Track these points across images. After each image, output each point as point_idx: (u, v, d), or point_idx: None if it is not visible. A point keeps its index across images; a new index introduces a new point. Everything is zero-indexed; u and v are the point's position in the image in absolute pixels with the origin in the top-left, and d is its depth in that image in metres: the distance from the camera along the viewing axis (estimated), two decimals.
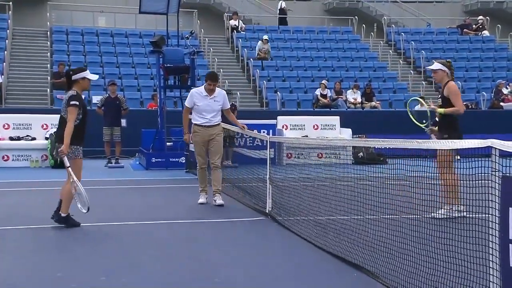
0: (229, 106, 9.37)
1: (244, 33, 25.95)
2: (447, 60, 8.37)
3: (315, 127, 17.15)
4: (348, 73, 23.43)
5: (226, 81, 21.14)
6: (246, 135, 12.32)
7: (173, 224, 7.70)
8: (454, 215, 6.99)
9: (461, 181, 7.24)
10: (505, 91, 21.82)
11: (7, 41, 22.05)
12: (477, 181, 4.35)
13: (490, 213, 3.71)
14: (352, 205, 6.33)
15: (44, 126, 15.55)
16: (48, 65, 21.56)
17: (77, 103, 7.15)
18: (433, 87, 23.82)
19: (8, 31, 22.75)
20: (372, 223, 5.97)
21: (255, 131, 11.33)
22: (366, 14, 30.60)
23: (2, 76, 19.47)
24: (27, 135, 15.46)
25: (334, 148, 11.22)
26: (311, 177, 8.24)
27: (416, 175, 5.74)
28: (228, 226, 7.62)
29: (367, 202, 6.09)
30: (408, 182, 5.57)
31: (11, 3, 24.09)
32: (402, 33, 26.99)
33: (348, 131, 16.70)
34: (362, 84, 21.70)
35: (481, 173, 4.26)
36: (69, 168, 7.10)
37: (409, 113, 8.55)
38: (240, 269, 5.53)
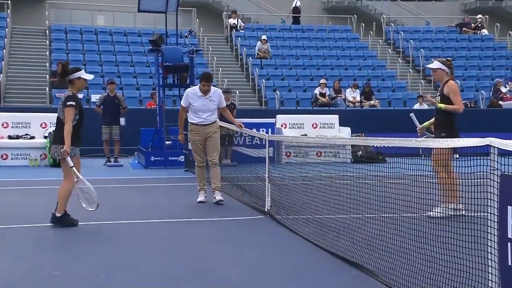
0: (225, 105, 9.39)
1: (243, 31, 25.94)
2: (447, 58, 8.35)
3: (314, 125, 17.14)
4: (347, 72, 23.44)
5: (225, 79, 21.14)
6: (245, 133, 12.32)
7: (172, 223, 7.71)
8: (450, 213, 6.99)
9: (459, 180, 7.27)
10: (503, 89, 21.82)
11: (5, 39, 22.04)
12: (476, 180, 4.35)
13: (489, 211, 3.72)
14: (351, 204, 6.33)
15: (43, 125, 15.54)
16: (47, 64, 21.55)
17: (74, 103, 7.15)
18: (432, 86, 23.82)
19: (6, 29, 22.73)
20: (371, 222, 5.97)
21: (254, 130, 11.34)
22: (365, 13, 30.62)
23: (1, 75, 19.46)
24: (26, 134, 15.45)
25: (333, 146, 11.22)
26: (310, 176, 8.25)
27: (415, 173, 5.75)
28: (227, 225, 7.62)
29: (366, 201, 6.09)
30: (407, 181, 5.58)
31: (9, 1, 24.07)
32: (401, 32, 27.00)
33: (347, 129, 16.70)
34: (361, 82, 21.70)
35: (480, 172, 4.26)
36: (73, 168, 7.12)
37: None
38: (238, 267, 5.54)
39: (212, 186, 8.93)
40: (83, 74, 7.40)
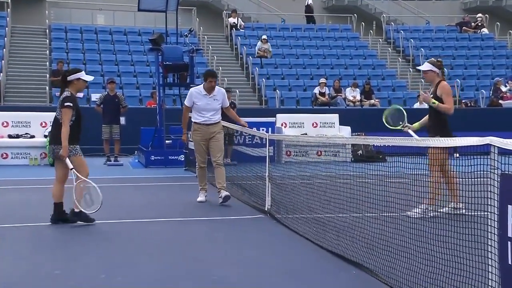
0: (229, 104, 9.36)
1: (243, 31, 25.93)
2: (438, 59, 8.37)
3: (314, 125, 17.13)
4: (347, 71, 23.43)
5: (225, 79, 21.13)
6: (246, 132, 12.31)
7: (172, 222, 7.71)
8: (430, 214, 6.96)
9: (458, 179, 7.26)
10: (503, 88, 21.82)
11: (5, 38, 22.03)
12: (476, 179, 4.35)
13: (489, 210, 3.72)
14: (351, 203, 6.33)
15: (43, 124, 15.53)
16: (47, 63, 21.55)
17: (71, 104, 7.14)
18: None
19: (6, 29, 22.73)
20: (371, 221, 5.97)
21: (254, 129, 11.34)
22: (365, 12, 30.60)
23: (1, 74, 19.46)
24: (26, 133, 15.45)
25: (333, 146, 11.22)
26: (310, 175, 8.24)
27: (415, 172, 5.75)
28: (226, 224, 7.63)
29: (366, 200, 6.09)
30: (407, 180, 5.58)
31: (9, 0, 24.07)
32: (401, 31, 26.99)
33: (347, 129, 16.69)
34: (361, 82, 21.69)
35: (480, 171, 4.26)
36: (73, 170, 7.12)
37: (384, 122, 8.52)
38: (238, 267, 5.54)
39: (217, 186, 8.83)
40: (82, 75, 7.38)
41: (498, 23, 28.78)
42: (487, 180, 3.75)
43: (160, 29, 18.26)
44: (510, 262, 3.54)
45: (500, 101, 21.21)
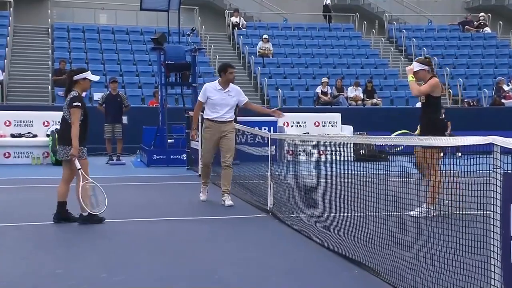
0: (247, 99, 9.06)
1: (245, 30, 25.93)
2: (426, 56, 8.39)
3: (316, 124, 17.14)
4: (349, 70, 23.42)
5: None
6: (248, 132, 12.29)
7: (174, 221, 7.71)
8: (432, 214, 6.96)
9: (459, 178, 7.23)
10: (506, 88, 21.80)
11: (8, 38, 22.06)
12: (478, 178, 4.35)
13: (492, 210, 3.71)
14: (353, 202, 6.33)
15: (46, 123, 15.55)
16: (49, 62, 21.56)
17: (80, 104, 7.19)
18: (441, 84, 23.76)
19: (9, 28, 22.76)
20: (373, 220, 5.97)
21: (256, 128, 11.33)
22: (368, 11, 30.57)
23: (3, 73, 19.49)
24: (29, 132, 15.48)
25: (335, 145, 11.22)
26: (312, 174, 8.24)
27: (417, 171, 5.75)
28: (228, 223, 7.62)
29: (368, 199, 6.09)
30: (409, 179, 5.58)
31: (12, 0, 24.08)
32: (404, 30, 26.95)
33: (350, 128, 16.69)
34: (363, 81, 21.68)
35: (483, 170, 4.25)
36: (81, 170, 7.16)
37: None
38: (240, 266, 5.53)
39: (222, 188, 8.72)
40: (89, 75, 7.41)
41: (500, 22, 28.74)
42: (489, 180, 3.74)
43: (162, 28, 18.26)
44: None
45: (503, 100, 21.20)
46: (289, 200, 7.96)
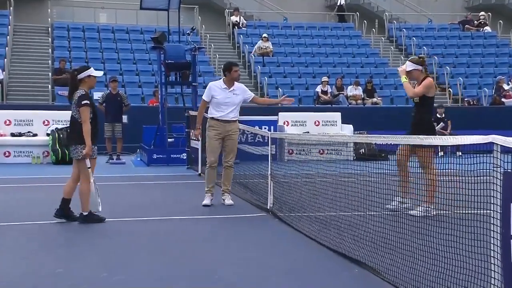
0: (253, 94, 8.96)
1: (245, 29, 25.93)
2: (419, 56, 8.39)
3: (317, 123, 17.13)
4: (349, 69, 23.41)
5: None
6: (248, 131, 12.30)
7: (174, 220, 7.71)
8: (432, 213, 6.96)
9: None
10: (506, 87, 21.80)
11: (8, 37, 22.05)
12: (478, 177, 4.35)
13: (492, 209, 3.71)
14: (353, 201, 6.33)
15: (46, 122, 15.54)
16: (49, 61, 21.56)
17: (88, 102, 7.22)
18: (434, 84, 23.76)
19: (9, 27, 22.75)
20: (373, 219, 5.97)
21: (256, 127, 11.33)
22: (368, 10, 30.55)
23: (4, 73, 19.48)
24: (29, 132, 15.47)
25: (336, 144, 11.22)
26: (312, 173, 8.24)
27: (417, 171, 5.76)
28: (229, 222, 7.62)
29: (369, 198, 6.08)
30: (410, 178, 5.58)
31: None
32: (404, 29, 26.94)
33: (350, 127, 16.69)
34: (363, 80, 21.67)
35: (483, 169, 4.25)
36: (89, 169, 7.22)
37: None
38: (240, 266, 5.53)
39: (222, 187, 8.68)
40: (92, 71, 7.42)
41: (500, 21, 28.72)
42: (490, 179, 3.74)
43: (162, 27, 18.25)
44: None
45: (503, 100, 21.19)
46: (289, 199, 7.96)
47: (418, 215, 6.57)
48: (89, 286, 4.87)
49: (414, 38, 25.98)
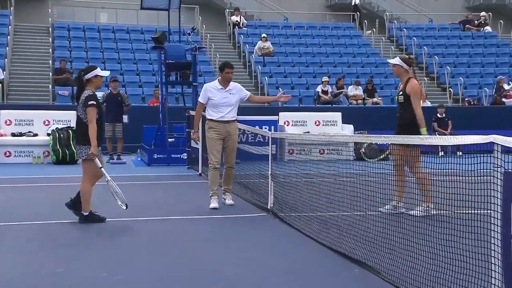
0: (249, 93, 8.93)
1: (246, 29, 25.93)
2: (410, 56, 8.38)
3: (317, 123, 17.13)
4: (350, 69, 23.40)
5: None
6: (248, 131, 12.29)
7: (174, 220, 7.71)
8: (432, 212, 6.95)
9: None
10: (506, 87, 21.79)
11: (8, 37, 22.05)
12: (479, 177, 4.34)
13: (492, 209, 3.71)
14: (354, 201, 6.32)
15: (46, 122, 15.54)
16: (50, 61, 21.56)
17: (95, 102, 7.23)
18: (435, 83, 23.80)
19: (9, 27, 22.75)
20: (374, 219, 5.97)
21: (257, 127, 11.33)
22: (368, 10, 30.56)
23: (4, 72, 19.48)
24: (29, 131, 15.47)
25: (336, 144, 11.21)
26: (312, 173, 8.23)
27: (418, 171, 5.75)
28: (229, 222, 7.62)
29: (369, 198, 6.08)
30: (409, 178, 5.58)
31: None
32: (404, 29, 26.94)
33: (350, 127, 16.68)
34: (364, 80, 21.67)
35: (483, 169, 4.25)
36: (102, 169, 7.28)
37: None
38: (240, 266, 5.53)
39: (223, 187, 8.65)
40: (99, 71, 7.44)
41: (501, 21, 28.71)
42: (490, 179, 3.74)
43: (163, 27, 18.24)
44: None
45: (503, 99, 21.19)
46: (290, 199, 7.96)
47: (418, 215, 6.57)
48: (89, 286, 4.87)
49: (414, 38, 25.97)
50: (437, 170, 7.30)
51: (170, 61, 14.32)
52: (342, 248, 5.73)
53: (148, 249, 6.10)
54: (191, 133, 10.65)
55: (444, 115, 18.04)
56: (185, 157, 14.06)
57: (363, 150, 14.94)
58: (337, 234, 6.11)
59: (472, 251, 4.23)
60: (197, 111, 8.92)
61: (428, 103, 20.12)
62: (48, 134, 15.06)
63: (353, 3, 28.72)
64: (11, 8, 23.94)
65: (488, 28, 28.20)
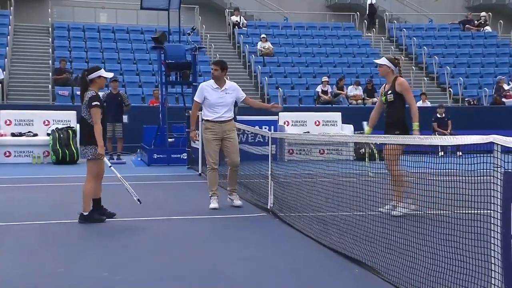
0: (245, 95, 8.76)
1: (246, 29, 25.93)
2: (396, 57, 8.42)
3: (317, 123, 17.14)
4: (350, 69, 23.41)
5: (228, 77, 21.05)
6: (248, 131, 12.30)
7: (174, 220, 7.71)
8: (407, 211, 6.96)
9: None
10: (506, 87, 21.80)
11: (8, 37, 22.05)
12: (479, 177, 4.34)
13: (492, 209, 3.71)
14: (353, 201, 6.32)
15: (46, 122, 15.55)
16: (50, 61, 21.57)
17: (99, 103, 7.26)
18: (435, 83, 23.80)
19: (9, 27, 22.76)
20: (374, 219, 5.97)
21: (257, 127, 11.33)
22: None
23: (4, 72, 19.48)
24: (29, 131, 15.47)
25: (336, 144, 11.21)
26: (312, 173, 8.23)
27: (418, 171, 5.74)
28: (229, 222, 7.62)
29: (369, 198, 6.08)
30: (409, 178, 5.58)
31: None
32: (404, 29, 26.95)
33: (350, 127, 16.68)
34: (364, 80, 21.67)
35: (483, 169, 4.25)
36: (112, 167, 7.42)
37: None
38: (240, 266, 5.53)
39: (228, 188, 8.56)
40: (102, 72, 7.47)
41: (501, 21, 28.72)
42: (490, 179, 3.74)
43: (163, 27, 18.25)
44: None
45: (503, 99, 21.20)
46: (290, 199, 7.96)
47: (400, 215, 6.61)
48: (90, 286, 4.87)
49: (414, 38, 25.98)
50: (402, 169, 7.34)
51: (170, 61, 14.32)
52: (342, 248, 5.73)
53: (148, 249, 6.10)
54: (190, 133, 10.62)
55: (444, 115, 18.04)
56: (185, 157, 14.06)
57: (363, 150, 14.94)
58: (337, 234, 6.11)
59: (472, 251, 4.23)
60: (193, 111, 8.75)
61: (428, 103, 20.13)
62: (48, 134, 15.06)
63: (369, 2, 28.62)
64: (11, 8, 23.95)
65: (488, 28, 28.21)
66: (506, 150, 3.68)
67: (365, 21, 28.39)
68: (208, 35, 24.68)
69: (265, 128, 13.31)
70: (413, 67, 24.52)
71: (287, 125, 16.75)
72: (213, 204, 8.33)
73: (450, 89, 22.77)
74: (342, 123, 17.17)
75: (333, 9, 30.82)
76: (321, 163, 8.20)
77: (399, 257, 4.93)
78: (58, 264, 5.49)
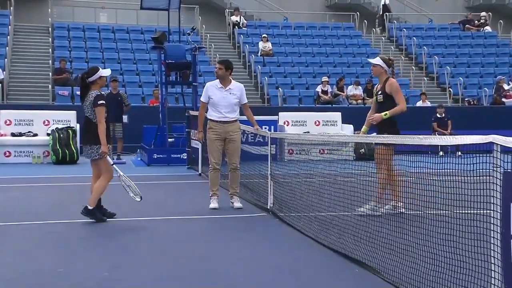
0: (247, 101, 8.62)
1: (246, 29, 25.92)
2: (389, 58, 8.43)
3: (317, 123, 17.14)
4: (350, 69, 23.40)
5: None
6: (248, 131, 12.30)
7: (174, 220, 7.71)
8: (400, 211, 6.96)
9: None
10: (506, 87, 21.80)
11: (8, 37, 22.05)
12: (478, 177, 4.34)
13: (492, 209, 3.71)
14: (353, 201, 6.32)
15: (46, 122, 15.55)
16: (50, 61, 21.56)
17: (104, 102, 7.33)
18: (435, 83, 23.80)
19: (9, 27, 22.75)
20: (373, 219, 5.97)
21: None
22: (368, 10, 30.56)
23: (4, 72, 19.48)
24: (29, 131, 15.47)
25: (336, 144, 11.21)
26: (312, 173, 8.23)
27: (418, 171, 5.73)
28: (229, 222, 7.62)
29: (369, 198, 6.08)
30: (409, 178, 5.58)
31: None
32: (404, 29, 26.94)
33: (350, 127, 16.68)
34: (364, 80, 21.67)
35: (483, 169, 4.25)
36: (114, 165, 7.43)
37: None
38: (240, 265, 5.54)
39: (230, 190, 8.51)
40: (102, 72, 7.53)
41: (501, 21, 28.70)
42: (489, 179, 3.74)
43: (163, 27, 18.25)
44: None
45: (503, 99, 21.20)
46: (290, 199, 7.96)
47: (367, 213, 6.61)
48: (90, 286, 4.87)
49: (414, 38, 25.97)
50: (394, 170, 7.35)
51: (170, 61, 14.32)
52: (342, 248, 5.73)
53: (148, 249, 6.11)
54: (192, 131, 10.60)
55: (443, 115, 18.04)
56: (185, 157, 14.06)
57: (363, 150, 14.95)
58: (337, 234, 6.11)
59: (472, 251, 4.23)
60: (200, 111, 8.76)
61: (428, 103, 20.13)
62: (48, 134, 15.06)
63: (382, 2, 28.55)
64: (11, 8, 23.94)
65: (488, 28, 28.20)
66: (505, 150, 3.68)
67: (377, 20, 28.36)
68: (208, 35, 24.67)
69: (265, 128, 13.30)
70: (413, 67, 24.51)
71: (287, 125, 16.75)
72: (213, 204, 8.34)
73: (450, 89, 22.77)
74: (342, 123, 17.17)
75: (333, 9, 30.81)
76: (320, 163, 8.20)
77: (399, 257, 4.93)
78: (58, 264, 5.49)
